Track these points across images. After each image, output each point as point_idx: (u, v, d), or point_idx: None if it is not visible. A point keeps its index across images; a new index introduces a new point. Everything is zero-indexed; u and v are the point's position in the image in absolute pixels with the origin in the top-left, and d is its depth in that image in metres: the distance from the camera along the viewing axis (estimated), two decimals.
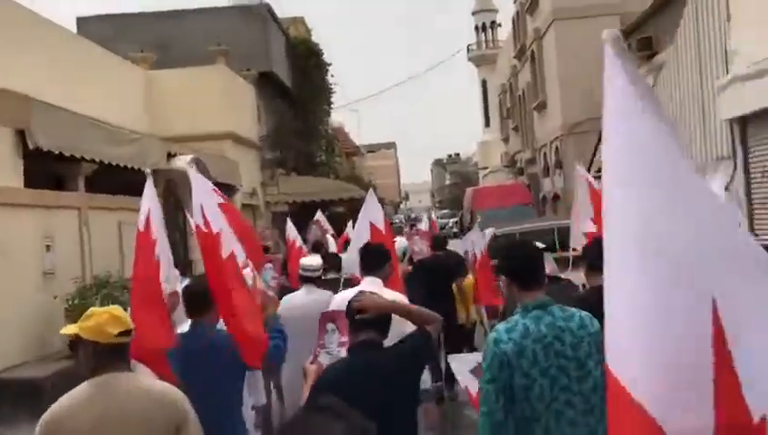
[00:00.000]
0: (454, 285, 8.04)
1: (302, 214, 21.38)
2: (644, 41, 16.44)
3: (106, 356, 2.64)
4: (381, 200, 34.13)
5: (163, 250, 4.49)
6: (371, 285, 4.24)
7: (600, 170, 6.96)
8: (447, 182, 79.04)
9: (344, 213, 25.17)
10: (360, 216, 6.52)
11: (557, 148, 22.02)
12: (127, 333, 2.70)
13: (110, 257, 10.30)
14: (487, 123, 48.61)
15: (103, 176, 10.29)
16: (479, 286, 8.06)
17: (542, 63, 22.69)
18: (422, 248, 9.77)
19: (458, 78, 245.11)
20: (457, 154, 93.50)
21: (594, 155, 11.22)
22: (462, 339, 7.92)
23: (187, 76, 17.10)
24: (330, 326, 3.82)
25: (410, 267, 8.57)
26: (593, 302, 2.77)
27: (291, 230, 10.29)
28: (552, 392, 2.79)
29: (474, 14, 50.25)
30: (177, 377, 3.54)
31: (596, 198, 6.00)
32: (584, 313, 2.94)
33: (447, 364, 5.74)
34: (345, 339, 3.56)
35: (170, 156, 12.40)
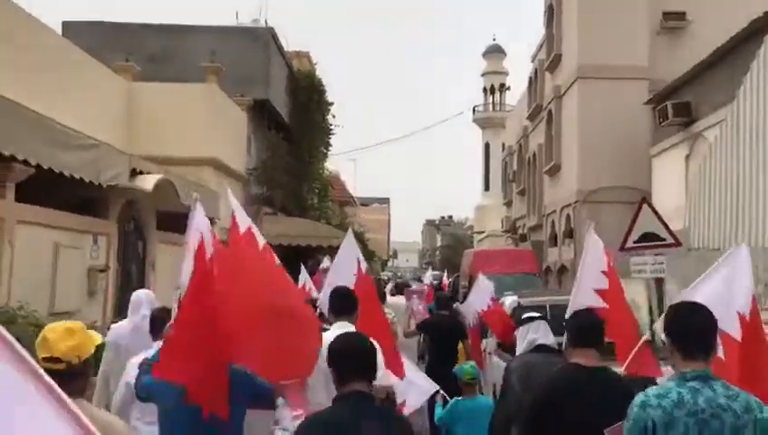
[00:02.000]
0: (460, 345, 8.18)
1: (287, 259, 19.41)
2: (681, 106, 14.90)
3: None
4: (372, 254, 31.98)
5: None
6: (342, 328, 4.19)
7: (639, 241, 5.78)
8: (439, 244, 77.34)
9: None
10: (338, 259, 6.21)
11: (568, 215, 20.27)
12: (54, 360, 2.44)
13: (38, 286, 8.28)
14: (487, 187, 47.13)
15: (41, 184, 8.38)
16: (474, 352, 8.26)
17: (560, 124, 21.15)
18: (419, 308, 10.25)
19: (458, 140, 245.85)
20: (450, 217, 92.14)
21: (632, 228, 9.55)
22: None
23: (174, 91, 15.39)
24: (280, 401, 3.71)
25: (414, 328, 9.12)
26: (563, 378, 3.45)
27: (303, 275, 10.19)
28: None
29: (483, 75, 49.33)
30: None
31: (611, 273, 5.00)
32: (753, 396, 2.71)
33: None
34: (297, 413, 3.54)
35: (135, 173, 10.50)
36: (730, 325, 3.52)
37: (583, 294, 4.83)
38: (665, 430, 2.57)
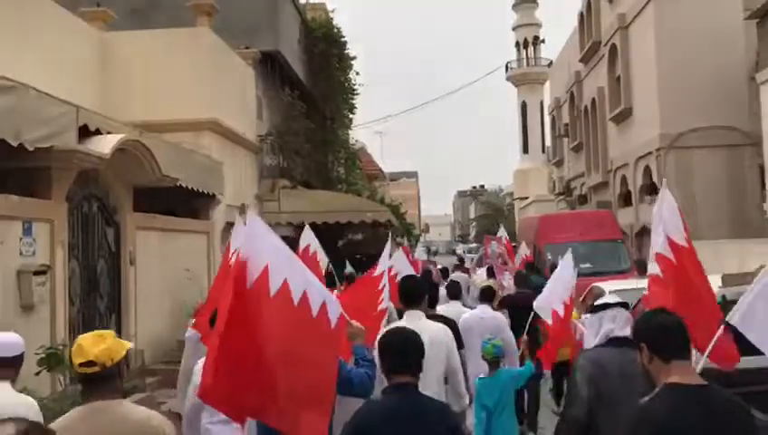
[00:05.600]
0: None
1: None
2: None
3: (85, 384, 2.73)
4: (411, 228, 28.52)
5: None
6: (413, 319, 4.48)
7: None
8: (473, 215, 73.94)
9: (362, 241, 20.06)
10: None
11: (647, 167, 16.87)
12: (89, 364, 2.67)
13: None
14: (525, 149, 43.55)
15: None
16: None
17: (628, 60, 17.67)
18: (510, 284, 9.68)
19: (485, 106, 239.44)
20: (482, 186, 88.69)
21: None
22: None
23: (157, 41, 12.29)
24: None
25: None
26: (666, 407, 2.61)
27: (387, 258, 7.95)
28: None
29: (514, 29, 45.37)
30: None
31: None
32: None
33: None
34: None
35: (87, 132, 7.44)
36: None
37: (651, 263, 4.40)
38: None
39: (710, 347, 3.52)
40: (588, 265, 14.61)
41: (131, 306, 9.03)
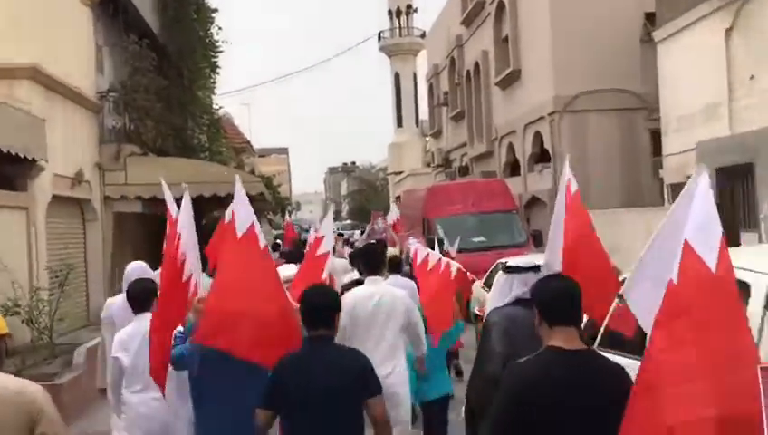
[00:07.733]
0: None
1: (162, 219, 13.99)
2: None
3: None
4: (284, 201, 26.62)
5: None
6: (374, 284, 4.86)
7: None
8: (345, 191, 72.51)
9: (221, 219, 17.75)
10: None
11: (537, 133, 15.85)
12: None
13: None
14: (399, 123, 42.44)
15: None
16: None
17: (517, 18, 16.50)
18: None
19: (357, 76, 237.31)
20: (353, 162, 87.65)
21: None
22: None
23: None
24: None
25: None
26: (541, 369, 2.65)
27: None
28: None
29: None
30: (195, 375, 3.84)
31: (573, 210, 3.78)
32: None
33: None
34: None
35: None
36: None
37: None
38: None
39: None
40: (481, 238, 13.38)
41: None
